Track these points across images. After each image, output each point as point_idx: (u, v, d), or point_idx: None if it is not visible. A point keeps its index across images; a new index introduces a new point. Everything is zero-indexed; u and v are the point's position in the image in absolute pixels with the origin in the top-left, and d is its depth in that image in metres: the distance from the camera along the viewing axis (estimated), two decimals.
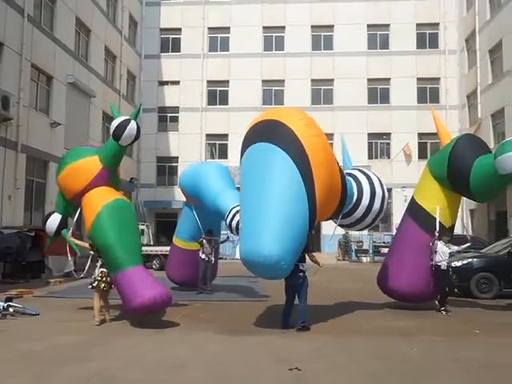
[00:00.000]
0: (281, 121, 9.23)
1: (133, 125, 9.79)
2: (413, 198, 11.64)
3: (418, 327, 9.40)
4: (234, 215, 11.71)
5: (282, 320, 9.13)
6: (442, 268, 10.76)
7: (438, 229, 10.67)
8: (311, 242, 9.44)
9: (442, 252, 10.69)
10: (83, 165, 10.01)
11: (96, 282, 9.30)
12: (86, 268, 10.24)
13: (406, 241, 11.24)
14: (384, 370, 6.53)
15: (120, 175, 10.95)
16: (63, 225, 10.79)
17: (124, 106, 30.83)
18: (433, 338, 8.41)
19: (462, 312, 10.83)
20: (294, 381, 6.04)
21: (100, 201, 9.62)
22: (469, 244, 12.64)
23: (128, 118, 9.96)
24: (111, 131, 9.91)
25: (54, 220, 10.71)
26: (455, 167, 10.46)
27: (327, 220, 11.22)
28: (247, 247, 8.58)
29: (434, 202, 10.93)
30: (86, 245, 9.98)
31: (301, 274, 9.00)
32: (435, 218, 10.76)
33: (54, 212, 10.96)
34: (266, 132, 9.22)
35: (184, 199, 14.92)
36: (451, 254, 11.15)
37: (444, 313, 10.66)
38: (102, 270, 9.35)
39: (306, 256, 9.20)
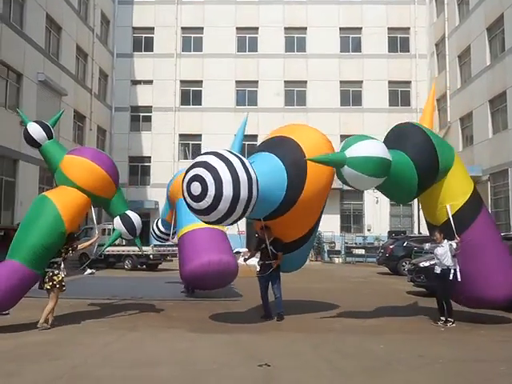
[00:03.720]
0: None
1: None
2: None
3: (386, 326, 9.60)
4: None
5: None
6: (435, 272, 9.81)
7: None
8: None
9: (435, 254, 9.74)
10: None
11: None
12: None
13: None
14: (352, 366, 6.68)
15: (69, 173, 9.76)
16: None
17: (96, 105, 30.60)
18: (400, 336, 8.62)
19: (430, 311, 11.07)
20: (263, 377, 6.14)
21: None
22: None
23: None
24: None
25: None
26: None
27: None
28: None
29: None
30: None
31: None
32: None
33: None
34: None
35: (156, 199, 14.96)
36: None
37: (438, 322, 9.63)
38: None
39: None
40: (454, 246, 9.33)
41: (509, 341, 8.37)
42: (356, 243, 31.51)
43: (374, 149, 8.62)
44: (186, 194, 8.43)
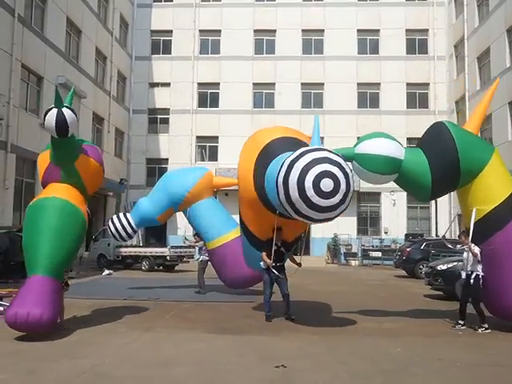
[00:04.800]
0: None
1: (52, 113, 8.43)
2: None
3: (403, 329, 9.55)
4: None
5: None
6: (463, 277, 9.64)
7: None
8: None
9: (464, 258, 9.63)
10: (41, 157, 9.53)
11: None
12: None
13: None
14: (369, 369, 6.66)
15: (91, 172, 9.37)
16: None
17: (114, 108, 30.88)
18: (418, 339, 8.57)
19: (448, 314, 10.99)
20: (279, 378, 6.16)
21: (35, 199, 9.14)
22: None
23: (52, 106, 8.56)
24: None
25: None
26: None
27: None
28: None
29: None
30: None
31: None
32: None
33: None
34: None
35: None
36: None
37: (456, 326, 9.47)
38: None
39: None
40: (465, 253, 9.31)
41: None
42: (373, 246, 31.33)
43: (382, 147, 8.92)
44: (311, 193, 7.95)
